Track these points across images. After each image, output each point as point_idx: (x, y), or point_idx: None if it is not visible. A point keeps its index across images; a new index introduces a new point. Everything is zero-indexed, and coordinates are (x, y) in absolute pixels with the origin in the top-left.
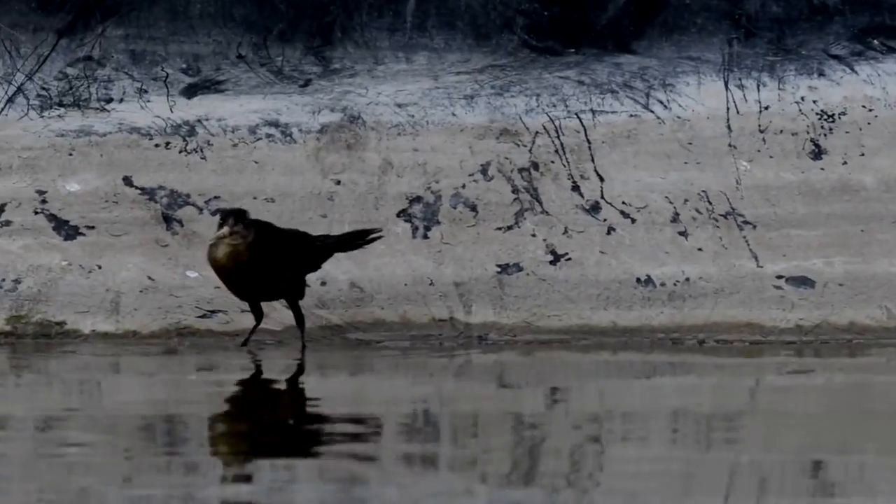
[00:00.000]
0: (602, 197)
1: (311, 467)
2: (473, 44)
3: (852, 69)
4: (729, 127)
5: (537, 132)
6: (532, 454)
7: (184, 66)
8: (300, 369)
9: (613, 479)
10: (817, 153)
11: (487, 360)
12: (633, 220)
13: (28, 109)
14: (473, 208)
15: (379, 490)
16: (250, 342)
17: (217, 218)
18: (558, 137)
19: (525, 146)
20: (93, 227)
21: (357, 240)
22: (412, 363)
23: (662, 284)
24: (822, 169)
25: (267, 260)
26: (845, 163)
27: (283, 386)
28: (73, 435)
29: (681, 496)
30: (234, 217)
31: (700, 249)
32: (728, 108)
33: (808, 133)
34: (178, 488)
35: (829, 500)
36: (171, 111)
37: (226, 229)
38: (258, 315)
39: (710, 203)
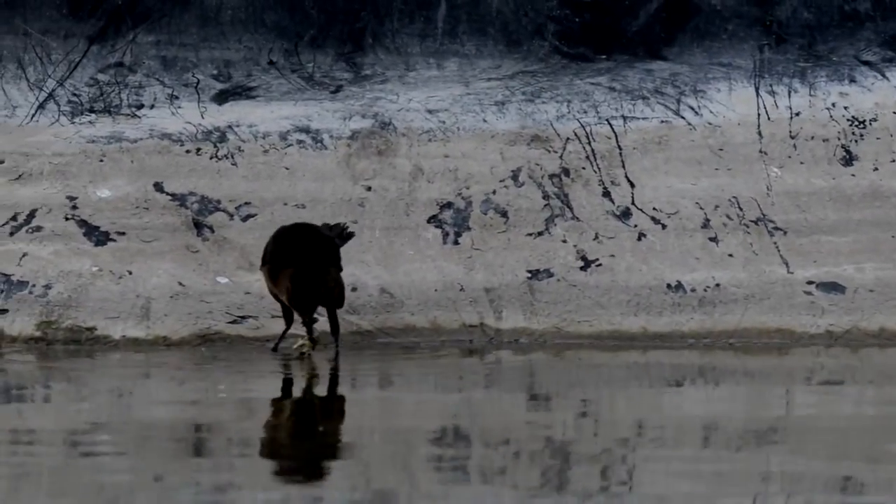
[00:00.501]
0: (633, 203)
1: (342, 478)
2: (505, 50)
3: (883, 75)
4: (760, 133)
5: (568, 138)
6: (562, 459)
7: (215, 72)
8: (334, 375)
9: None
10: (848, 159)
11: (517, 362)
12: (664, 226)
13: (59, 115)
14: (504, 214)
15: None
16: (280, 347)
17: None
18: (589, 144)
19: (556, 152)
20: (123, 233)
21: (342, 232)
22: (442, 370)
23: (693, 290)
24: (853, 175)
25: (323, 276)
26: (876, 169)
27: (316, 392)
28: (103, 440)
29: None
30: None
31: (730, 255)
32: (759, 115)
33: (838, 139)
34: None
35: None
36: (202, 117)
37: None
38: (289, 320)
39: (741, 209)
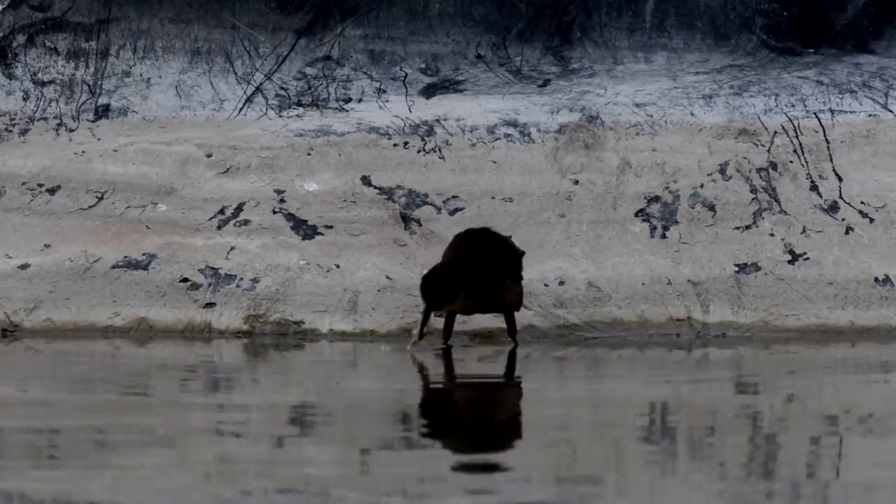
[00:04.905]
0: (840, 196)
1: (544, 469)
2: (712, 44)
3: None
4: None
5: (776, 132)
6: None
7: (422, 65)
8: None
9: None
10: None
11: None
12: (872, 220)
13: (267, 109)
14: (712, 208)
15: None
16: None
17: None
18: (797, 137)
19: (763, 146)
20: (331, 227)
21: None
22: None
23: None
24: None
25: (491, 292)
26: None
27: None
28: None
29: None
30: (436, 306)
31: None
32: None
33: None
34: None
35: None
36: (410, 111)
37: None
38: (450, 333)
39: None
